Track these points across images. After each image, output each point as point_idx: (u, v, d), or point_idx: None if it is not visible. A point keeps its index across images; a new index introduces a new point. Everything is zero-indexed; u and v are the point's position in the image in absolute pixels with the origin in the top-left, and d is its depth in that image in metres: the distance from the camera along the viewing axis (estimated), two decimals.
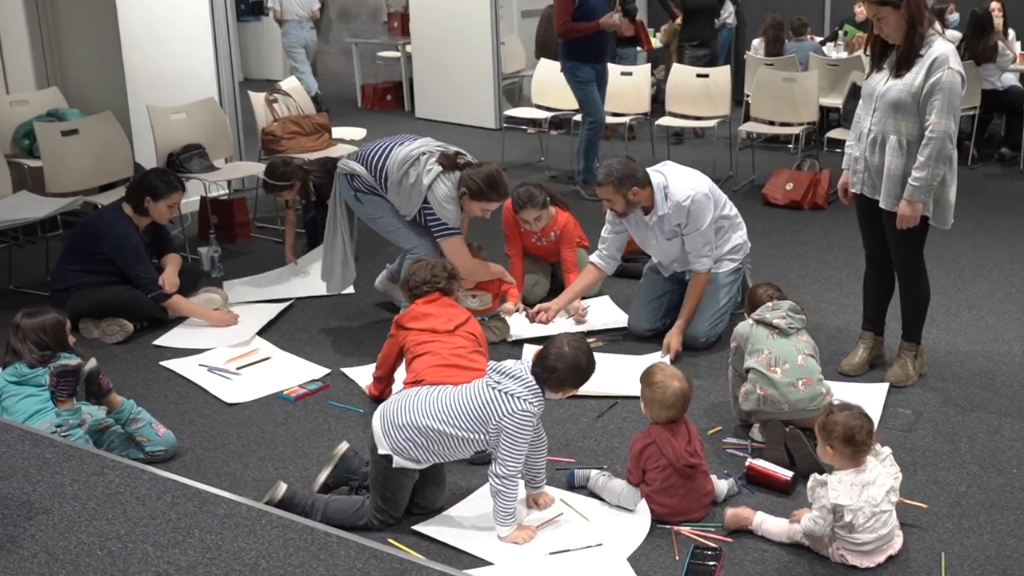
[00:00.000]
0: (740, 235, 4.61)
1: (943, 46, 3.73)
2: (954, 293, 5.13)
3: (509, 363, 3.09)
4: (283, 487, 3.15)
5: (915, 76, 3.73)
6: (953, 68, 3.68)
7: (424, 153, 4.46)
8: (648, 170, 4.42)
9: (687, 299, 4.46)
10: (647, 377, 3.25)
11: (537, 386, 3.02)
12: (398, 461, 3.06)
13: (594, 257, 4.75)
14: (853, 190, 4.04)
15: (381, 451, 3.07)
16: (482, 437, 3.03)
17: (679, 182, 4.40)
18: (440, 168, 4.42)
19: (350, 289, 5.04)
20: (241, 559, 2.30)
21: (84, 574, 2.23)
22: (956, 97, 3.70)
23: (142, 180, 4.89)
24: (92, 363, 3.56)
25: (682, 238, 4.44)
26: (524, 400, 2.99)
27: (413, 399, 3.11)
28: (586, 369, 3.08)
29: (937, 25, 3.82)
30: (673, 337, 4.41)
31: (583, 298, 4.91)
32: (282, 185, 5.55)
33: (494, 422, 2.99)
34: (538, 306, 4.78)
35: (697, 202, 4.36)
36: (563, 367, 3.02)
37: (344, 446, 3.41)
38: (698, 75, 7.37)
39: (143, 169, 6.16)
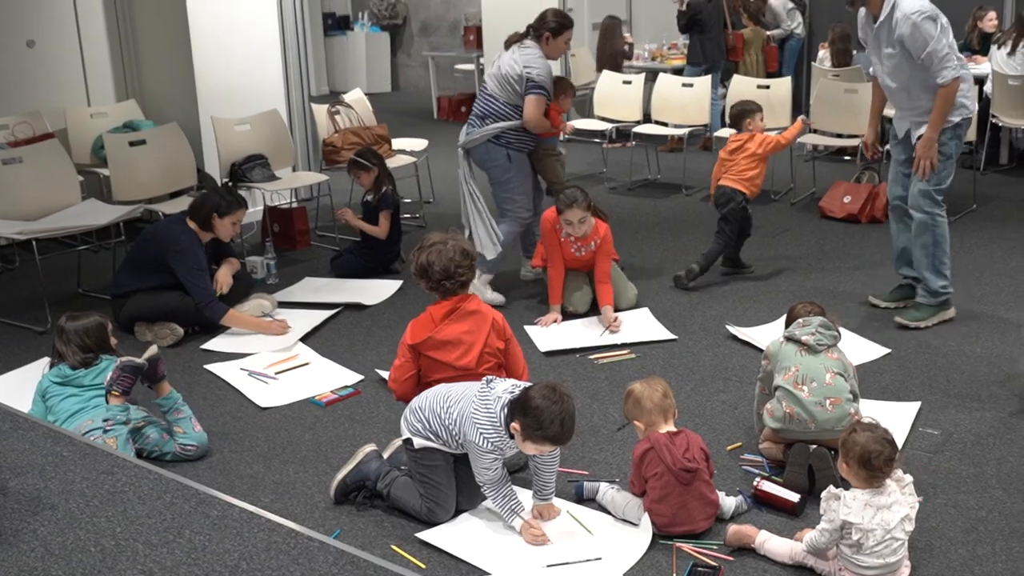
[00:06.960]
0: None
1: None
2: (1004, 310, 4.96)
3: (495, 388, 3.11)
4: (371, 447, 3.42)
5: None
6: None
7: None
8: None
9: (934, 110, 4.50)
10: (626, 395, 3.31)
11: (502, 425, 3.05)
12: (418, 442, 3.20)
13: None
14: None
15: (403, 436, 3.27)
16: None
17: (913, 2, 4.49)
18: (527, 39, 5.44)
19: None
20: (224, 560, 2.38)
21: (75, 570, 2.33)
22: None
23: (208, 199, 5.05)
24: (154, 350, 3.76)
25: (906, 58, 4.50)
26: (481, 434, 3.06)
27: (431, 391, 3.30)
28: (545, 421, 2.93)
29: None
30: (924, 148, 4.52)
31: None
32: (365, 164, 5.90)
33: (460, 437, 3.14)
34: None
35: (925, 19, 4.41)
36: (518, 409, 2.99)
37: (370, 447, 3.46)
38: (759, 86, 7.27)
39: (208, 176, 6.43)
